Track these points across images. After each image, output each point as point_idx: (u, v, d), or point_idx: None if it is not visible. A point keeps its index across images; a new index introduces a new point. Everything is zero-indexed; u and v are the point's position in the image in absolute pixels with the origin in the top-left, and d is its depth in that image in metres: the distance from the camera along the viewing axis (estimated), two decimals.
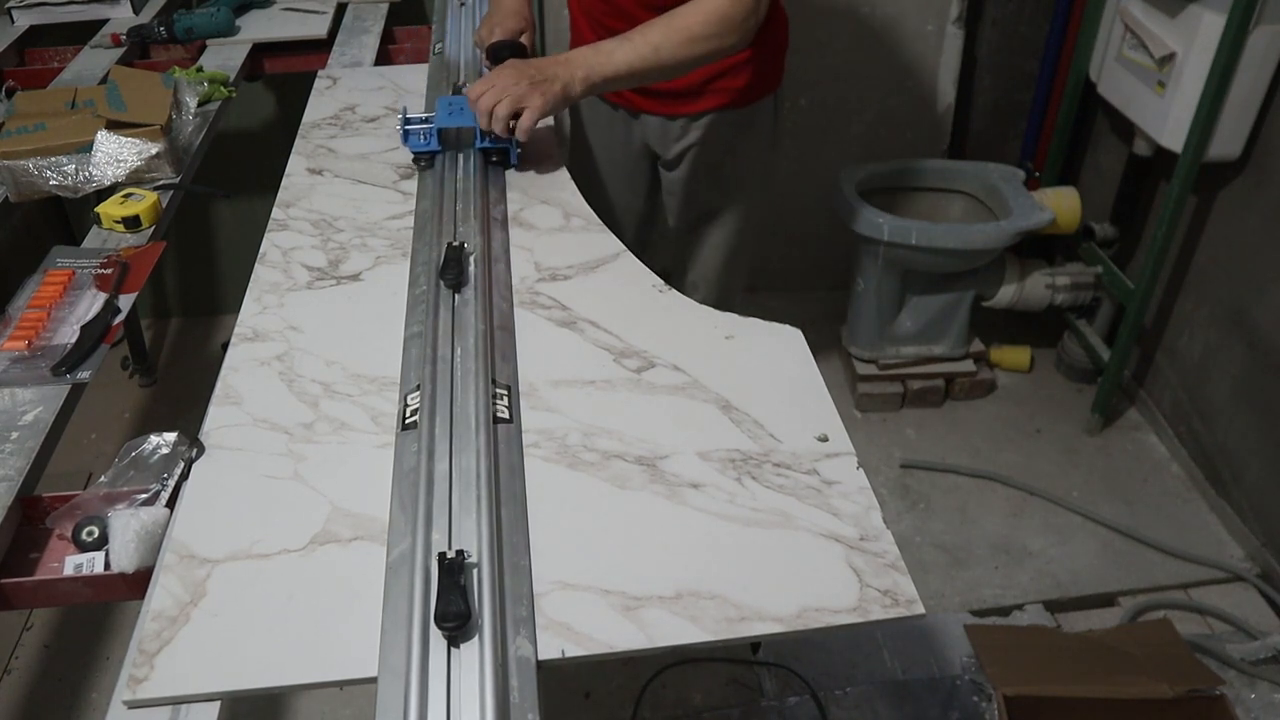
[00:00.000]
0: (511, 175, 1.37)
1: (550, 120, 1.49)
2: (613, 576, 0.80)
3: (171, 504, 0.90)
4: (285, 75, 1.99)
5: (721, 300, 1.85)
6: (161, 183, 1.43)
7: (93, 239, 1.32)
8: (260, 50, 1.93)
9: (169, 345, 2.73)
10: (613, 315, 1.11)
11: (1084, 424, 2.37)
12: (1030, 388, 2.51)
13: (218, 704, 0.73)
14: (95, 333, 1.10)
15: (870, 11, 2.40)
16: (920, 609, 0.78)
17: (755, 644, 1.65)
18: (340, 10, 2.05)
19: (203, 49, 1.90)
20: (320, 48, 1.91)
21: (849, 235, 2.28)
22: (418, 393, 0.95)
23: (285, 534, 0.84)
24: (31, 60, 1.93)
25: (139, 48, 1.90)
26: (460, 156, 1.35)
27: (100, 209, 1.33)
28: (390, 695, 0.69)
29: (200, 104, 1.61)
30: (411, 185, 1.37)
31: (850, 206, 2.23)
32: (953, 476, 2.24)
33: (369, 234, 1.27)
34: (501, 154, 1.37)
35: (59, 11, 1.97)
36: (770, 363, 1.04)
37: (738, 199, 1.73)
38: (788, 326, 1.09)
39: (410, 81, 1.68)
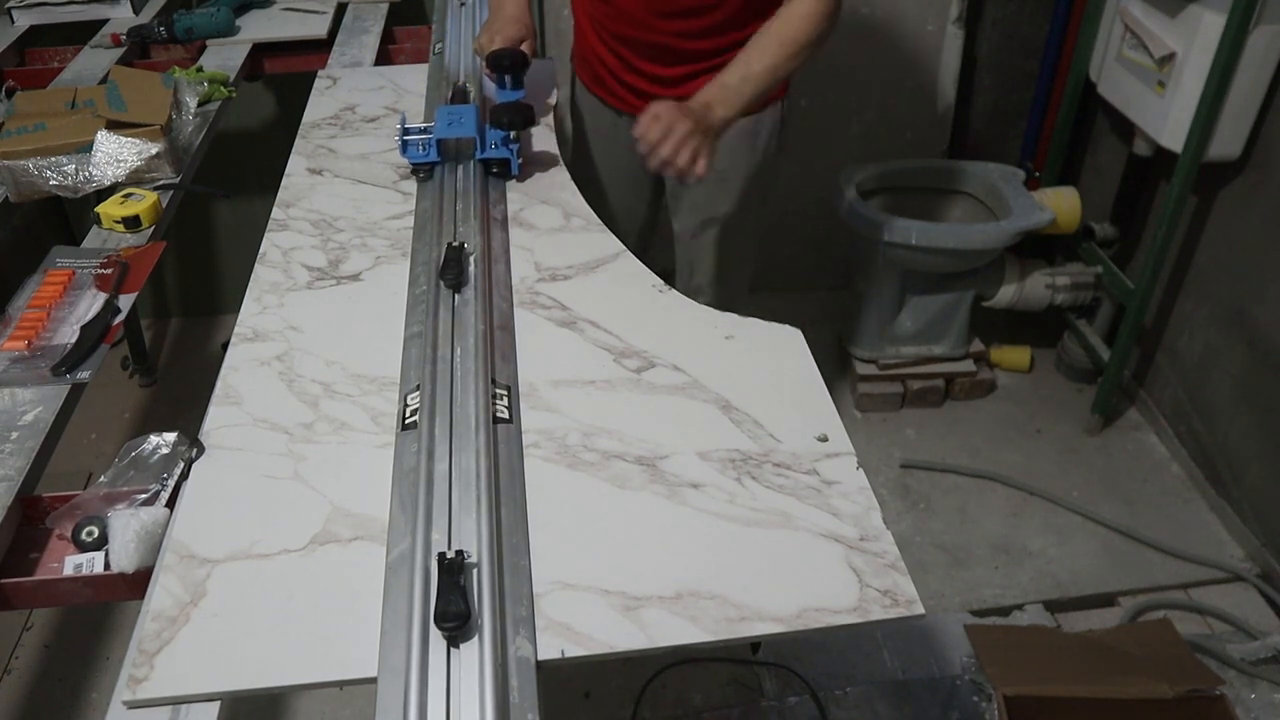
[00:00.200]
0: None
1: (551, 132, 1.49)
2: (613, 576, 0.80)
3: (171, 504, 0.90)
4: (285, 75, 1.99)
5: (726, 304, 1.84)
6: (161, 183, 1.43)
7: (93, 239, 1.32)
8: (260, 50, 1.93)
9: (169, 345, 2.72)
10: (613, 315, 1.11)
11: (1084, 424, 2.37)
12: (1030, 388, 2.51)
13: (218, 704, 0.73)
14: (95, 333, 1.10)
15: (870, 12, 2.40)
16: (920, 609, 0.78)
17: (755, 644, 1.64)
18: (340, 10, 2.05)
19: (203, 49, 1.90)
20: (320, 48, 1.91)
21: (849, 235, 2.28)
22: (418, 393, 0.95)
23: (285, 534, 0.84)
24: (31, 60, 1.93)
25: (139, 48, 1.90)
26: (460, 168, 1.34)
27: (100, 209, 1.33)
28: (390, 695, 0.69)
29: (200, 104, 1.61)
30: (411, 185, 1.37)
31: (850, 206, 2.23)
32: (953, 476, 2.24)
33: (369, 234, 1.27)
34: (502, 165, 1.35)
35: (59, 11, 1.97)
36: (770, 363, 1.04)
37: (743, 204, 1.72)
38: (788, 326, 1.09)
39: (410, 82, 1.68)
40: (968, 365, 2.44)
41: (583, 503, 0.87)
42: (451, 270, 1.10)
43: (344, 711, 1.76)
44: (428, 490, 0.84)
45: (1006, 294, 2.40)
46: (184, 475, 0.92)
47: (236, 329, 1.10)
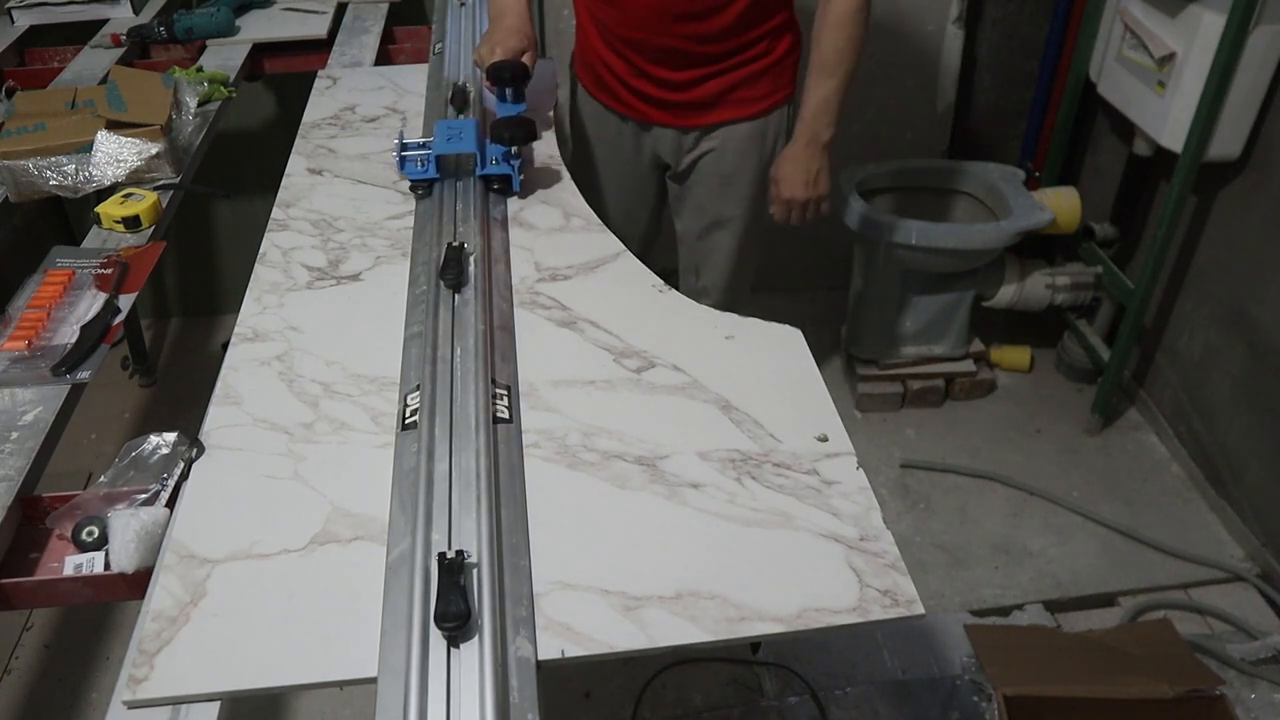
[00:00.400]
0: None
1: (554, 147, 1.49)
2: (613, 576, 0.80)
3: (171, 504, 0.90)
4: (285, 75, 1.99)
5: (731, 304, 1.85)
6: (161, 183, 1.43)
7: (93, 239, 1.32)
8: (260, 50, 1.93)
9: (169, 345, 2.72)
10: (613, 315, 1.11)
11: (1084, 424, 2.37)
12: (1030, 388, 2.51)
13: (218, 704, 0.73)
14: (95, 333, 1.10)
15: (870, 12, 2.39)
16: (920, 609, 0.78)
17: (755, 644, 1.65)
18: (340, 10, 2.05)
19: (203, 49, 1.90)
20: (320, 48, 1.91)
21: (849, 235, 2.28)
22: (418, 393, 0.95)
23: (285, 534, 0.84)
24: (31, 60, 1.93)
25: (139, 48, 1.90)
26: (460, 184, 1.30)
27: (100, 209, 1.33)
28: (390, 695, 0.69)
29: (200, 104, 1.61)
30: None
31: (850, 206, 2.23)
32: (953, 476, 2.24)
33: (369, 234, 1.27)
34: (503, 181, 1.31)
35: (59, 11, 1.97)
36: (770, 363, 1.04)
37: (750, 206, 1.72)
38: (788, 326, 1.09)
39: (410, 82, 1.68)
40: (968, 365, 2.44)
41: (583, 503, 0.87)
42: (451, 270, 1.10)
43: (344, 711, 1.76)
44: (428, 490, 0.84)
45: (1006, 294, 2.40)
46: (184, 475, 0.92)
47: (236, 329, 1.10)
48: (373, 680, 0.71)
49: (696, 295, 1.85)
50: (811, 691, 1.74)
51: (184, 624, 0.77)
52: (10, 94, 1.65)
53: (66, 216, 2.38)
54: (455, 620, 0.71)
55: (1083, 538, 2.08)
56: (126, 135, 1.42)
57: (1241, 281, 2.02)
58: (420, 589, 0.75)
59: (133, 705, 0.72)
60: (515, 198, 1.33)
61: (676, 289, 1.16)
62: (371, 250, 1.23)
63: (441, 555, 0.76)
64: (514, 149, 1.29)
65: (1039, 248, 2.50)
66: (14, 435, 0.98)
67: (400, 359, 1.03)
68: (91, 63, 1.82)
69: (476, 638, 0.72)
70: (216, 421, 0.97)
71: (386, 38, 1.97)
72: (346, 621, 0.77)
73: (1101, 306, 2.38)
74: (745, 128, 1.62)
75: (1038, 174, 2.52)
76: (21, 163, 1.38)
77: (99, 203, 1.35)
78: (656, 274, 1.17)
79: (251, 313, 1.12)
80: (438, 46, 1.72)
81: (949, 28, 2.43)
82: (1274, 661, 1.78)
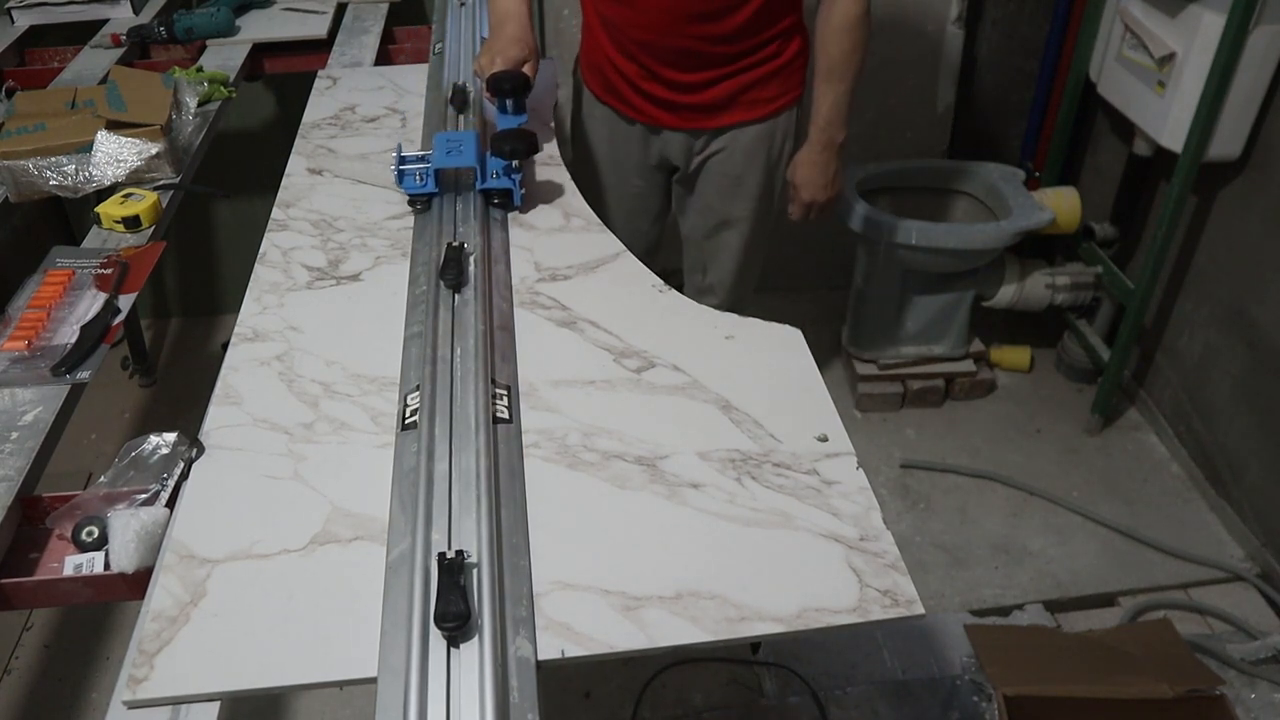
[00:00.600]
0: None
1: (554, 147, 1.48)
2: (613, 576, 0.80)
3: (171, 504, 0.90)
4: (285, 75, 1.99)
5: (737, 301, 1.85)
6: (161, 183, 1.43)
7: (93, 239, 1.32)
8: (260, 50, 1.93)
9: (169, 345, 2.72)
10: (613, 315, 1.11)
11: (1084, 424, 2.37)
12: (1030, 388, 2.51)
13: (217, 704, 0.73)
14: (95, 333, 1.10)
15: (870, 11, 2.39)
16: (920, 609, 0.78)
17: (755, 644, 1.65)
18: (340, 10, 2.05)
19: (203, 49, 1.90)
20: (320, 48, 1.91)
21: (849, 235, 2.28)
22: (417, 393, 0.95)
23: (285, 534, 0.84)
24: (31, 60, 1.93)
25: (139, 48, 1.90)
26: (459, 199, 1.27)
27: (100, 209, 1.33)
28: (390, 695, 0.69)
29: (200, 104, 1.61)
30: None
31: (850, 206, 2.23)
32: (953, 476, 2.24)
33: (369, 234, 1.27)
34: (504, 195, 1.28)
35: (59, 11, 1.97)
36: (770, 363, 1.04)
37: (757, 206, 1.72)
38: (788, 326, 1.09)
39: (410, 82, 1.68)
40: (968, 365, 2.44)
41: (583, 503, 0.87)
42: (451, 270, 1.10)
43: (344, 711, 1.76)
44: (428, 490, 0.84)
45: (1006, 294, 2.40)
46: (184, 475, 0.92)
47: (236, 329, 1.10)
48: (373, 680, 0.71)
49: (703, 293, 1.86)
50: (811, 691, 1.74)
51: (184, 624, 0.77)
52: (10, 94, 1.65)
53: (66, 216, 2.38)
54: (455, 620, 0.71)
55: (1083, 538, 2.08)
56: (126, 135, 1.42)
57: (1241, 281, 2.02)
58: (420, 589, 0.75)
59: (133, 705, 0.72)
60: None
61: (677, 288, 1.16)
62: (371, 250, 1.23)
63: (441, 555, 0.76)
64: (515, 163, 1.26)
65: (1039, 248, 2.50)
66: (14, 435, 0.98)
67: (400, 359, 1.03)
68: (91, 63, 1.82)
69: (476, 638, 0.72)
70: (216, 421, 0.97)
71: (386, 38, 1.97)
72: (346, 621, 0.77)
73: (1101, 306, 2.38)
74: (755, 129, 1.62)
75: (1038, 174, 2.52)
76: (21, 163, 1.38)
77: (99, 203, 1.35)
78: (657, 274, 1.17)
79: (251, 313, 1.12)
80: (438, 46, 1.72)
81: (949, 28, 2.43)
82: (1274, 661, 1.78)
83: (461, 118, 1.46)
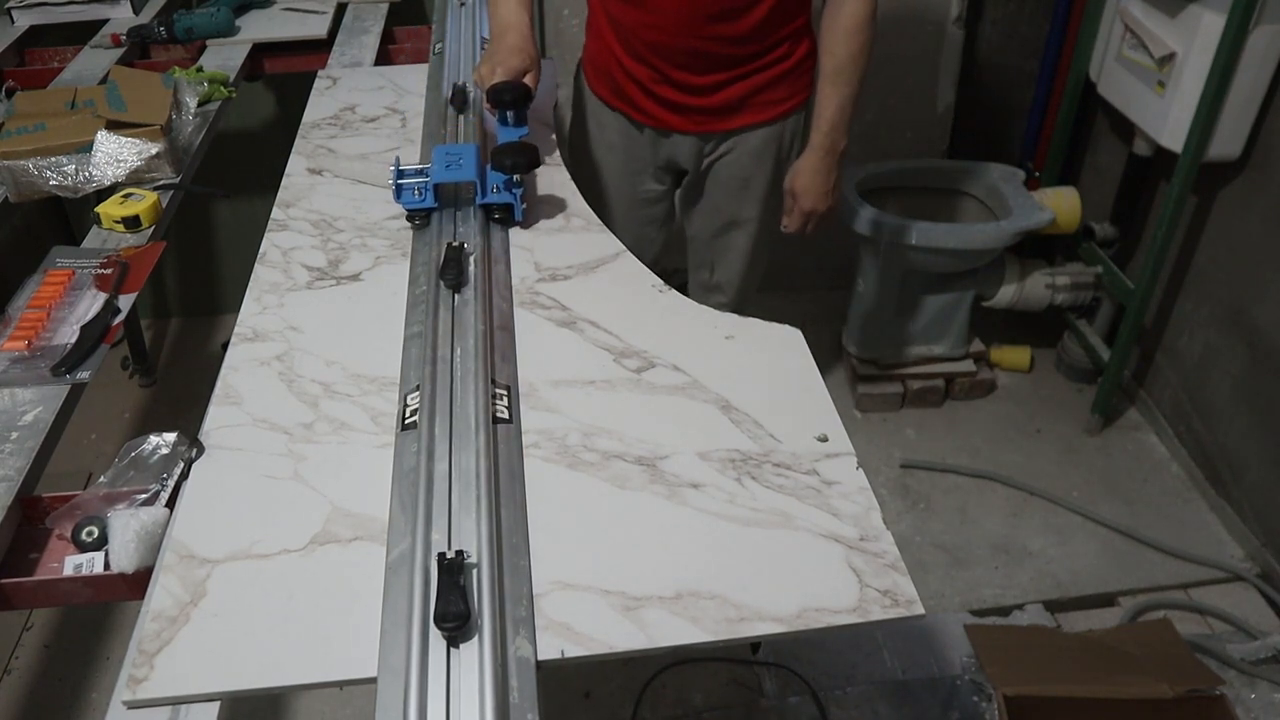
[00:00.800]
0: None
1: (551, 132, 1.48)
2: (613, 576, 0.80)
3: (171, 504, 0.90)
4: (285, 75, 1.99)
5: (743, 300, 1.85)
6: (161, 183, 1.43)
7: (93, 239, 1.32)
8: (260, 50, 1.93)
9: (169, 345, 2.73)
10: (613, 315, 1.11)
11: (1084, 424, 2.37)
12: (1030, 388, 2.51)
13: (217, 704, 0.73)
14: (95, 333, 1.10)
15: None
16: (920, 609, 0.78)
17: (755, 644, 1.65)
18: (340, 10, 2.05)
19: (203, 49, 1.90)
20: (320, 48, 1.91)
21: (849, 235, 2.28)
22: (417, 393, 0.95)
23: (285, 534, 0.84)
24: (31, 60, 1.93)
25: (139, 48, 1.90)
26: (459, 214, 1.24)
27: (100, 209, 1.33)
28: (390, 695, 0.69)
29: (200, 104, 1.61)
30: None
31: (850, 206, 2.23)
32: (953, 476, 2.24)
33: (369, 234, 1.27)
34: (505, 210, 1.25)
35: (59, 11, 1.97)
36: (770, 363, 1.04)
37: (765, 207, 1.72)
38: (788, 326, 1.09)
39: (410, 82, 1.68)
40: (968, 365, 2.44)
41: (583, 503, 0.87)
42: (451, 270, 1.10)
43: (344, 711, 1.76)
44: (428, 490, 0.84)
45: (1006, 294, 2.40)
46: (184, 475, 0.92)
47: (236, 329, 1.10)
48: (372, 680, 0.71)
49: (709, 292, 1.85)
50: (811, 691, 1.74)
51: (184, 624, 0.77)
52: (10, 94, 1.65)
53: (66, 216, 2.38)
54: (455, 620, 0.71)
55: (1083, 538, 2.08)
56: (126, 135, 1.42)
57: (1241, 281, 2.02)
58: (420, 589, 0.75)
59: (133, 705, 0.72)
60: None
61: (678, 288, 1.16)
62: (371, 250, 1.23)
63: (441, 555, 0.76)
64: (516, 177, 1.23)
65: (1039, 248, 2.50)
66: (14, 435, 0.98)
67: (400, 359, 1.03)
68: (91, 63, 1.82)
69: (476, 638, 0.72)
70: (216, 421, 0.97)
71: (386, 38, 1.97)
72: (346, 621, 0.77)
73: (1101, 306, 2.38)
74: (763, 131, 1.62)
75: (1038, 174, 2.52)
76: (21, 163, 1.38)
77: (99, 203, 1.35)
78: (658, 274, 1.17)
79: (251, 313, 1.12)
80: (438, 46, 1.72)
81: (949, 28, 2.43)
82: (1274, 661, 1.79)
83: (461, 118, 1.46)
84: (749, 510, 0.86)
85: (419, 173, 1.24)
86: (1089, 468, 2.26)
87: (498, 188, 1.23)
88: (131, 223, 1.32)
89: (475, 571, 0.77)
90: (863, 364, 2.42)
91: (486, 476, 0.85)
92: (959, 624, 1.84)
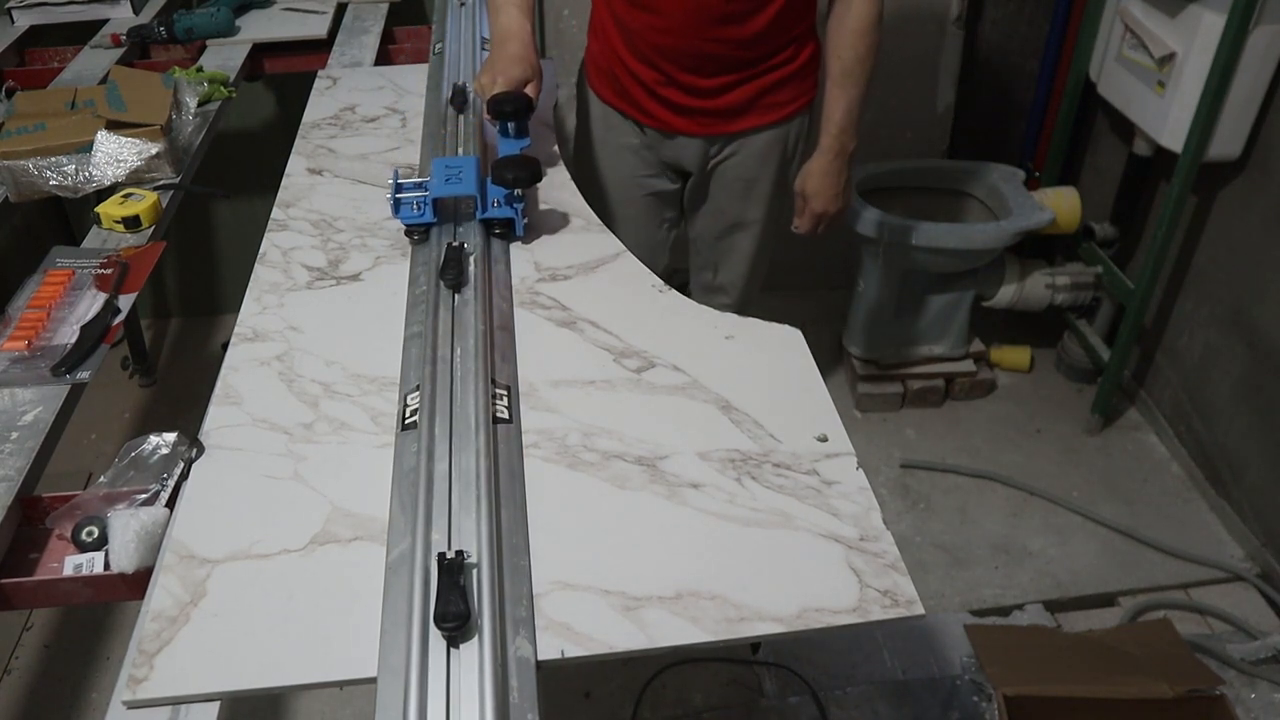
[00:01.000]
0: None
1: (551, 132, 1.47)
2: (613, 576, 0.80)
3: (171, 504, 0.90)
4: (285, 75, 1.99)
5: (747, 300, 1.85)
6: (161, 183, 1.43)
7: (93, 239, 1.32)
8: (260, 50, 1.93)
9: (169, 345, 2.73)
10: (613, 315, 1.11)
11: (1084, 424, 2.37)
12: (1030, 388, 2.51)
13: (217, 704, 0.73)
14: (95, 333, 1.10)
15: None
16: (920, 609, 0.78)
17: (755, 644, 1.65)
18: (340, 10, 2.05)
19: (203, 49, 1.90)
20: (320, 48, 1.91)
21: (849, 235, 2.28)
22: (417, 393, 0.95)
23: (285, 534, 0.84)
24: (31, 60, 1.93)
25: (139, 48, 1.90)
26: (459, 229, 1.21)
27: (100, 209, 1.33)
28: (390, 695, 0.69)
29: (200, 104, 1.61)
30: None
31: (850, 206, 2.23)
32: (953, 476, 2.24)
33: (369, 234, 1.27)
34: (505, 225, 1.22)
35: (59, 11, 1.97)
36: (770, 363, 1.04)
37: (769, 209, 1.72)
38: (788, 326, 1.09)
39: (410, 82, 1.68)
40: (968, 365, 2.44)
41: (583, 503, 0.87)
42: (451, 270, 1.10)
43: (344, 711, 1.76)
44: (428, 490, 0.84)
45: (1006, 294, 2.40)
46: (184, 475, 0.92)
47: (236, 329, 1.10)
48: (372, 680, 0.71)
49: (712, 293, 1.85)
50: (811, 691, 1.74)
51: (184, 624, 0.77)
52: (10, 94, 1.65)
53: (66, 216, 2.38)
54: (455, 620, 0.71)
55: (1083, 538, 2.08)
56: (126, 135, 1.42)
57: (1241, 281, 2.02)
58: (420, 589, 0.75)
59: (132, 705, 0.72)
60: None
61: (678, 288, 1.16)
62: (371, 250, 1.23)
63: (441, 555, 0.76)
64: (517, 191, 1.20)
65: (1039, 248, 2.50)
66: (14, 435, 0.98)
67: (400, 359, 1.03)
68: (91, 63, 1.82)
69: (476, 638, 0.72)
70: (216, 421, 0.97)
71: (386, 38, 1.97)
72: (346, 621, 0.77)
73: (1101, 306, 2.38)
74: (769, 133, 1.62)
75: (1038, 174, 2.52)
76: (21, 163, 1.38)
77: (99, 203, 1.35)
78: (658, 274, 1.17)
79: (251, 313, 1.12)
80: (438, 46, 1.72)
81: (949, 28, 2.43)
82: (1274, 661, 1.79)
83: (461, 118, 1.46)
84: (749, 510, 0.86)
85: (418, 186, 1.21)
86: (1089, 468, 2.26)
87: (498, 201, 1.21)
88: (131, 223, 1.32)
89: (475, 571, 0.77)
90: (863, 364, 2.42)
91: (486, 476, 0.85)
92: (959, 624, 1.84)
